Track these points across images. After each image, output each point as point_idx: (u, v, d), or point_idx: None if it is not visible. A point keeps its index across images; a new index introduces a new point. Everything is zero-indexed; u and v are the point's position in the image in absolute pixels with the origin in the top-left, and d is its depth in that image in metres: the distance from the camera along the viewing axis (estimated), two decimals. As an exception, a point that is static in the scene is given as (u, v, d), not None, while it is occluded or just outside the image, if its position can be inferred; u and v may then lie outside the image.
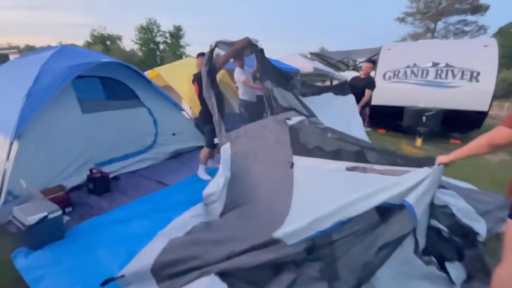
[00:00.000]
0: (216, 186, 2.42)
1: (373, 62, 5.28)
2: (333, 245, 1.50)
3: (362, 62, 9.95)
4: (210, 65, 3.04)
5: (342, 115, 3.57)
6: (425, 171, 1.54)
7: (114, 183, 3.08)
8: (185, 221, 2.14)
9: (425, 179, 1.48)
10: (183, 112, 4.61)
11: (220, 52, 3.21)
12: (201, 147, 4.66)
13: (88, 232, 2.16)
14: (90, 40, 32.19)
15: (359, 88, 4.57)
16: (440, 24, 30.57)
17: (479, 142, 1.38)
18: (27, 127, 2.50)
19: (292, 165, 2.42)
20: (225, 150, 2.80)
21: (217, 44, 3.07)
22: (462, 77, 5.81)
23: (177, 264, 1.58)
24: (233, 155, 2.76)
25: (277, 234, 1.52)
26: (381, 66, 6.69)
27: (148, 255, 1.67)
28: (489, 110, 5.70)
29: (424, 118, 5.83)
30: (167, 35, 34.40)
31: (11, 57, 12.15)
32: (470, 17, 28.66)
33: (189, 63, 6.57)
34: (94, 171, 2.87)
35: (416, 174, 1.56)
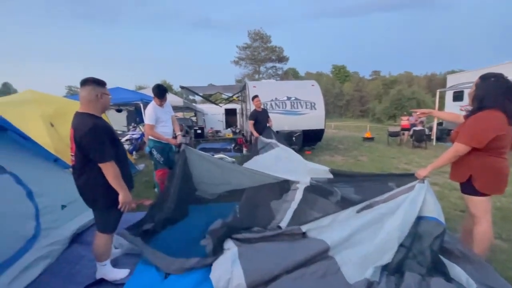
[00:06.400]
0: (223, 264, 2.05)
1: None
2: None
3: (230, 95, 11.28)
4: None
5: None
6: (422, 186, 1.94)
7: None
8: None
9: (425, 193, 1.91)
10: (69, 170, 3.03)
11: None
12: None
13: None
14: None
15: (263, 118, 5.39)
16: (262, 68, 45.24)
17: (448, 156, 1.88)
18: None
19: (304, 234, 2.38)
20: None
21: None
22: (306, 107, 8.13)
23: None
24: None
25: None
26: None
27: None
28: (324, 127, 8.36)
29: (294, 138, 7.51)
30: None
31: None
32: (278, 64, 45.46)
33: (32, 97, 4.39)
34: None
35: (419, 190, 1.94)
